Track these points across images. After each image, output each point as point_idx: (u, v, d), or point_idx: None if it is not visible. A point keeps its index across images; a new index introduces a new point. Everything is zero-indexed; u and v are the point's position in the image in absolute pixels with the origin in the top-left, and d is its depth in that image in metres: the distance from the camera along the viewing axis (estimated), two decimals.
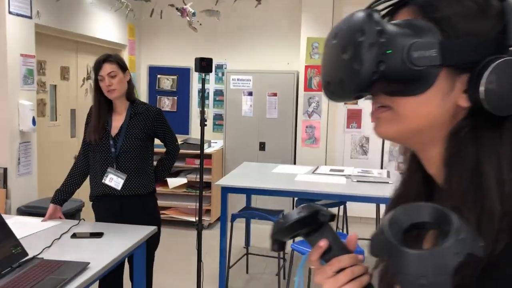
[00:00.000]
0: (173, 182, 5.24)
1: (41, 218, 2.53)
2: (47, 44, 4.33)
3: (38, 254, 2.00)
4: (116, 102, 2.54)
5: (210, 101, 5.92)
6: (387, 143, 5.50)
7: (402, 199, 0.74)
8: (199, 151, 5.38)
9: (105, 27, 5.11)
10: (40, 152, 4.10)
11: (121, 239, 2.26)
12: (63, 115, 4.69)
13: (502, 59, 0.57)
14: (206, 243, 4.77)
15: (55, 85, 4.54)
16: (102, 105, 2.50)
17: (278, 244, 0.75)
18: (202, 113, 2.74)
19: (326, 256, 0.73)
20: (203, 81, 2.77)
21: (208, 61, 2.70)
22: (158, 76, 5.87)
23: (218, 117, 5.92)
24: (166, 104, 5.88)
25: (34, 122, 3.80)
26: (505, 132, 0.60)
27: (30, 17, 3.80)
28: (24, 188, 3.81)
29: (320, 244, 0.73)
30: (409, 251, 0.49)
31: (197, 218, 5.36)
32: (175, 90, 5.91)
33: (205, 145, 5.41)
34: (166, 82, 5.89)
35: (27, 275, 1.75)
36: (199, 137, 5.91)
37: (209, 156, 5.31)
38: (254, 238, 4.72)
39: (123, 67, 2.53)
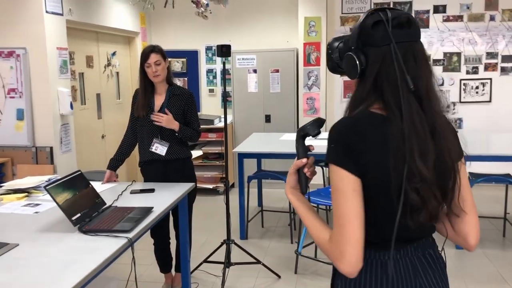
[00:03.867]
0: None
1: (100, 182, 3.13)
2: (74, 36, 4.86)
3: (111, 204, 2.61)
4: (158, 85, 3.11)
5: (217, 80, 6.49)
6: None
7: None
8: (211, 126, 5.97)
9: (120, 17, 5.63)
10: (75, 132, 4.69)
11: (169, 193, 2.87)
12: (90, 99, 5.26)
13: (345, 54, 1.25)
14: (223, 204, 5.42)
15: (83, 73, 5.10)
16: (147, 87, 3.08)
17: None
18: (225, 91, 3.32)
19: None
20: (224, 64, 3.34)
21: (227, 47, 3.25)
22: (170, 59, 6.37)
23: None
24: (178, 84, 6.43)
25: (71, 106, 4.38)
26: (359, 83, 1.25)
27: (62, 14, 4.33)
28: (67, 163, 4.41)
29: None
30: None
31: (214, 185, 6.00)
32: (185, 71, 6.46)
33: (216, 120, 6.01)
34: (177, 65, 6.44)
35: (111, 216, 2.36)
36: (210, 113, 6.48)
37: (220, 129, 5.91)
38: (264, 200, 5.36)
39: (164, 56, 3.09)
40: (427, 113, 1.17)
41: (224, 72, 3.28)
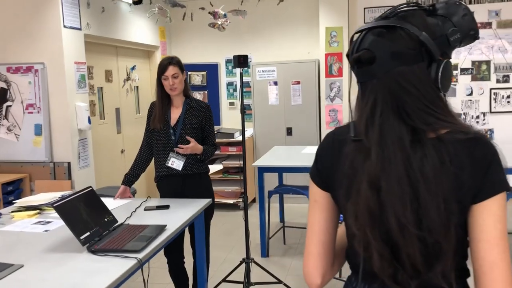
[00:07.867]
0: (211, 168, 5.72)
1: (112, 198, 3.03)
2: (93, 51, 4.84)
3: (123, 222, 2.50)
4: (175, 98, 3.01)
5: (238, 93, 6.39)
6: None
7: None
8: (232, 139, 5.87)
9: (140, 31, 5.60)
10: (93, 147, 4.63)
11: (184, 209, 2.74)
12: (109, 114, 5.21)
13: None
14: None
15: (102, 87, 5.07)
16: (164, 99, 2.98)
17: None
18: (242, 103, 3.20)
19: None
20: (241, 75, 3.22)
21: (244, 58, 3.13)
22: (189, 72, 6.36)
23: (246, 107, 6.37)
24: (198, 98, 6.35)
25: (89, 121, 4.32)
26: None
27: (80, 29, 4.31)
28: (85, 178, 4.35)
29: None
30: None
31: (235, 200, 5.85)
32: (205, 84, 6.39)
33: (237, 134, 5.90)
34: (197, 78, 6.37)
35: (123, 234, 2.24)
36: (230, 127, 6.39)
37: (241, 143, 5.78)
38: (287, 215, 5.19)
39: (182, 69, 2.99)
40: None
41: (242, 83, 3.16)
